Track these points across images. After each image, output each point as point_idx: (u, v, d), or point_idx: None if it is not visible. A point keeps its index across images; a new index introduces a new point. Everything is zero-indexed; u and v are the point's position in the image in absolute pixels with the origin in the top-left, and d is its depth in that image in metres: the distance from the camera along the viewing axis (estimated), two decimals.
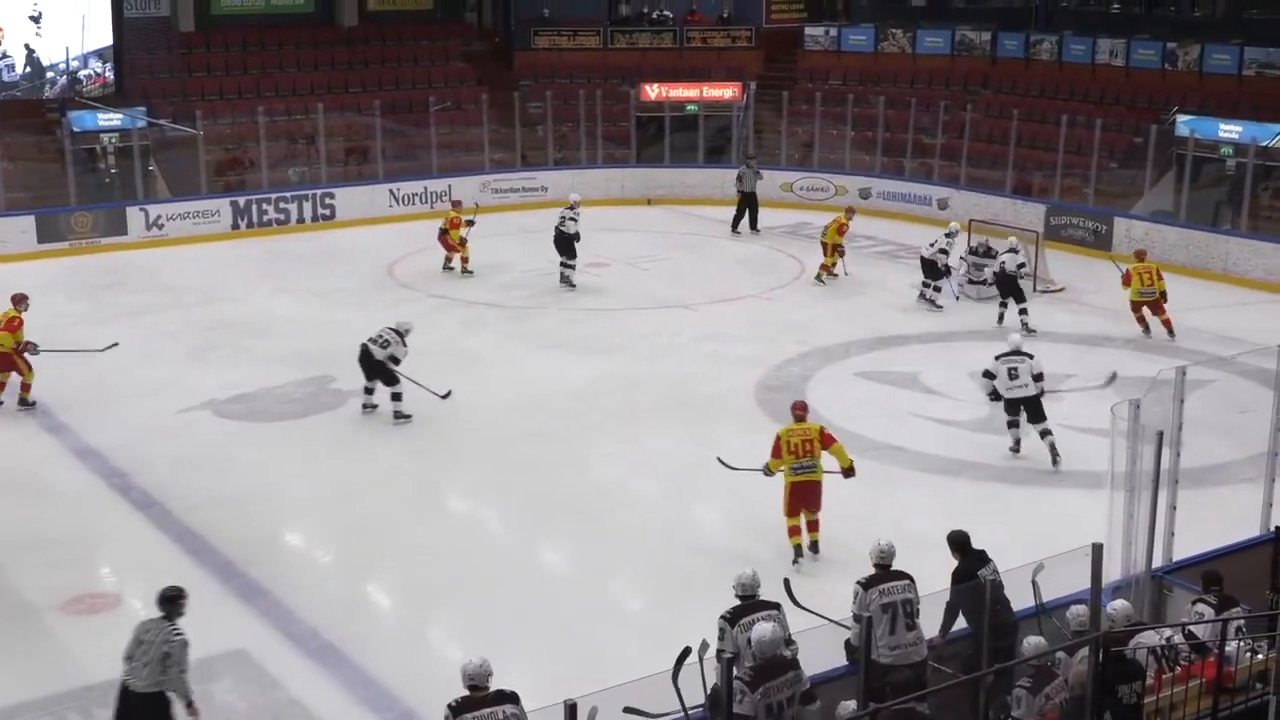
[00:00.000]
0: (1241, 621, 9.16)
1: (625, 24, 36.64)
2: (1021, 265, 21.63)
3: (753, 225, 28.33)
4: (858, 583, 9.49)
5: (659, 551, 13.55)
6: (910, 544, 10.09)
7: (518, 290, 23.69)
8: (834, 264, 24.10)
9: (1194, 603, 9.59)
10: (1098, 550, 7.93)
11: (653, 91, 33.07)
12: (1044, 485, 15.07)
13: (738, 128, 33.15)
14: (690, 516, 14.32)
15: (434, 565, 13.13)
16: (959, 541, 10.11)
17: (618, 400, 17.85)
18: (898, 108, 31.62)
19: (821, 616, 9.55)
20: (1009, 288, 21.36)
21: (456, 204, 26.23)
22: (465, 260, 24.72)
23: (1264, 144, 25.94)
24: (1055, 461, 15.55)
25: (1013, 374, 15.75)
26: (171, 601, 9.48)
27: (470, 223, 24.73)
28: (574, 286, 23.64)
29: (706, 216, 29.85)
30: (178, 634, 9.28)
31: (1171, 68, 29.78)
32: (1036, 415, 15.74)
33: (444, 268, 24.80)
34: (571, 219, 23.80)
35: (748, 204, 28.39)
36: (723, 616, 9.13)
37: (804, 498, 13.12)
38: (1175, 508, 10.93)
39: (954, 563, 10.04)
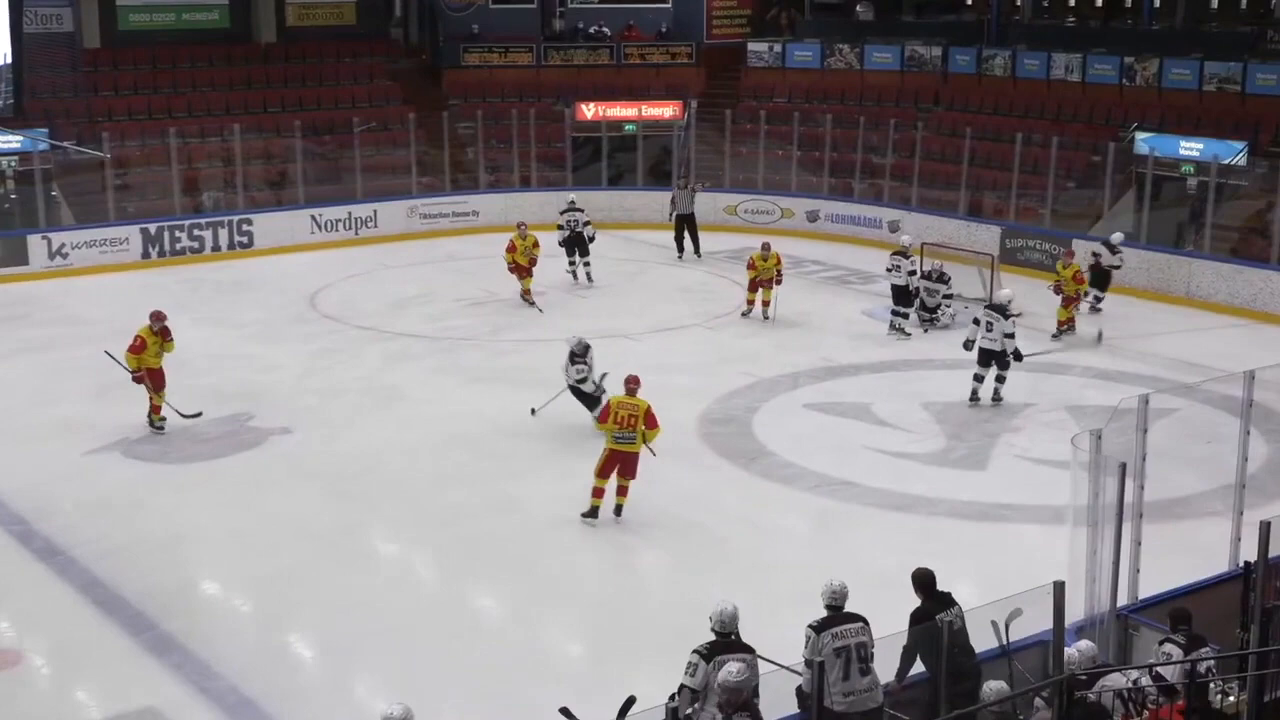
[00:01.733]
0: (1212, 662, 9.19)
1: (559, 40, 36.71)
2: (1117, 268, 23.64)
3: (695, 249, 28.45)
4: (809, 626, 9.44)
5: (597, 598, 13.48)
6: (864, 584, 10.07)
7: (447, 321, 23.59)
8: (752, 300, 23.79)
9: (1161, 642, 9.60)
10: (1059, 588, 7.91)
11: (589, 111, 33.18)
12: (1003, 520, 15.12)
13: (678, 148, 33.27)
14: (630, 561, 14.25)
15: (358, 614, 12.98)
16: (923, 581, 10.02)
17: (554, 437, 17.76)
18: (845, 126, 31.86)
19: (771, 662, 9.49)
20: (1102, 283, 23.52)
21: (520, 225, 24.89)
22: (525, 292, 24.47)
23: (1226, 162, 26.28)
24: (995, 401, 18.80)
25: (988, 327, 18.68)
26: None
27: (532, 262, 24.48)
28: (592, 281, 25.78)
29: (647, 241, 29.88)
30: None
31: (1129, 83, 30.17)
32: (1001, 365, 18.75)
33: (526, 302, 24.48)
34: (586, 221, 26.01)
35: (686, 227, 28.51)
36: (697, 650, 9.00)
37: (618, 465, 14.83)
38: (1140, 543, 10.98)
39: (914, 602, 9.99)
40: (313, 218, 29.76)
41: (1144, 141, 27.55)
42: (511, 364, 21.12)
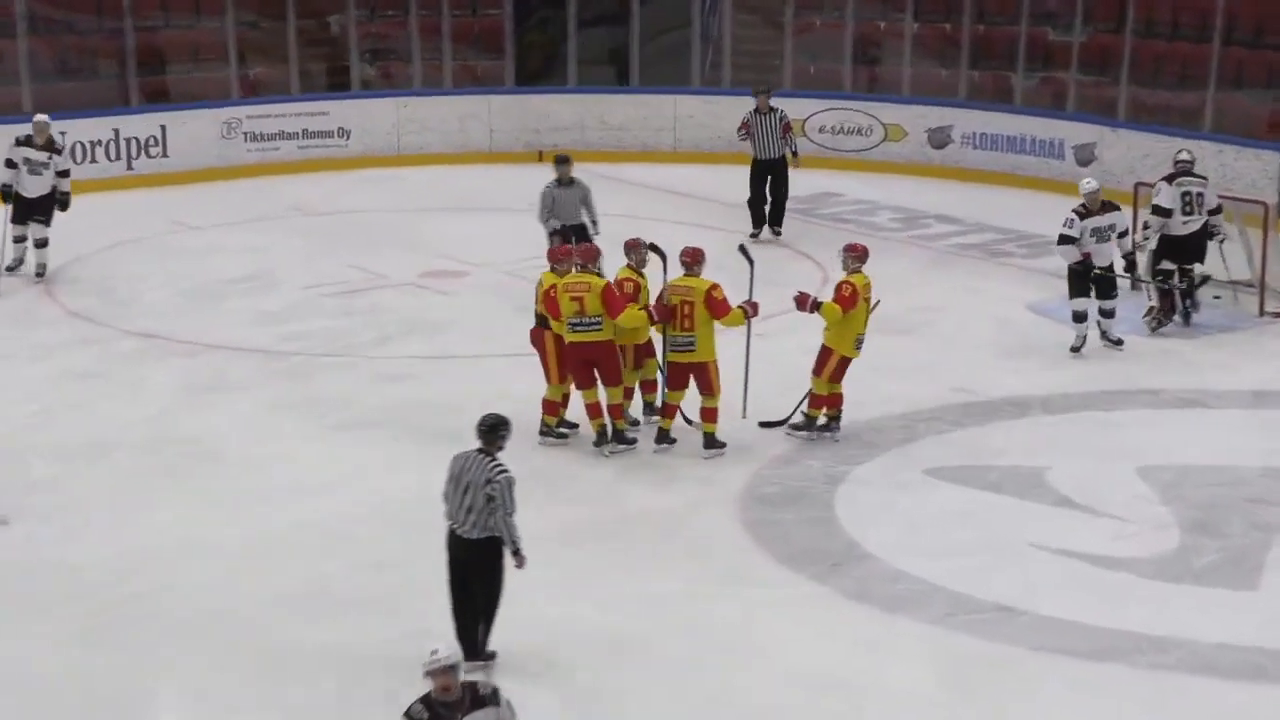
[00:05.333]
0: None
1: None
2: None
3: (775, 222, 27.83)
4: None
5: None
6: None
7: (293, 323, 23.70)
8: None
9: None
10: None
11: None
12: None
13: (704, 17, 33.17)
14: None
15: None
16: None
17: None
18: None
19: None
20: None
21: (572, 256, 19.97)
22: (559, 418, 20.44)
23: None
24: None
25: None
26: (492, 430, 14.15)
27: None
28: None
29: (648, 184, 29.90)
30: (501, 471, 13.90)
31: None
32: None
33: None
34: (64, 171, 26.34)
35: (771, 181, 27.79)
36: None
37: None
38: None
39: None
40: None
41: None
42: (409, 397, 21.16)
